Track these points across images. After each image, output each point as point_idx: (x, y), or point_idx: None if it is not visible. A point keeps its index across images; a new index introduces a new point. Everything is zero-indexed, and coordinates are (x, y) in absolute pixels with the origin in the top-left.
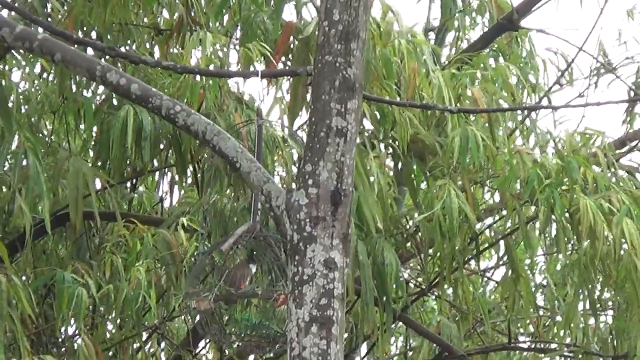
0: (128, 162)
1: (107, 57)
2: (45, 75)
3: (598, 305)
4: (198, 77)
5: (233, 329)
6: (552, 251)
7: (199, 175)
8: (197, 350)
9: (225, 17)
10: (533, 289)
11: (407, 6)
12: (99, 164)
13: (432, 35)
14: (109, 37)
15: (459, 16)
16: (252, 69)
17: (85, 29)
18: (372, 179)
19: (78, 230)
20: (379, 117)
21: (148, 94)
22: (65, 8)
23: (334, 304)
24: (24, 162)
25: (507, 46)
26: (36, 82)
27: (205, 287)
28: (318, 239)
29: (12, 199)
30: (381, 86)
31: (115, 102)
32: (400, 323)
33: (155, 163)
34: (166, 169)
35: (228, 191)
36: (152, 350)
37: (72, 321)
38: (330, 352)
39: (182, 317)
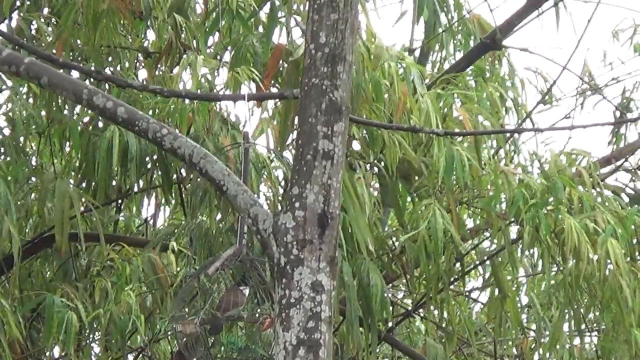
0: (113, 183)
1: (94, 80)
2: (31, 96)
3: (583, 326)
4: (187, 101)
5: (219, 353)
6: (537, 271)
7: (184, 196)
8: None
9: (215, 39)
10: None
11: (388, 26)
12: (84, 185)
13: (414, 53)
14: (90, 57)
15: (442, 36)
16: (240, 91)
17: (73, 51)
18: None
19: (63, 252)
20: (367, 139)
21: (134, 117)
22: (51, 29)
23: (321, 327)
24: None
25: (491, 65)
26: (20, 102)
27: (192, 310)
28: (305, 262)
29: None
30: (370, 109)
31: (100, 123)
32: (386, 344)
33: (141, 184)
34: (152, 190)
35: (212, 215)
36: None
37: (60, 344)
38: None
39: (168, 340)
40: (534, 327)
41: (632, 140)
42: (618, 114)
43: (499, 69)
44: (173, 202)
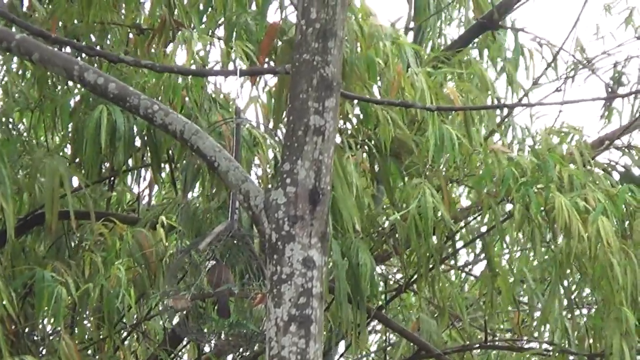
0: (105, 161)
1: (85, 56)
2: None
3: (574, 302)
4: (180, 78)
5: (210, 328)
6: (528, 247)
7: (175, 174)
8: (177, 350)
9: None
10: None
11: (385, 4)
12: (77, 161)
13: (411, 33)
14: (83, 34)
15: (433, 18)
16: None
17: (66, 28)
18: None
19: (53, 231)
20: (362, 117)
21: (126, 93)
22: (45, 6)
23: (312, 302)
24: None
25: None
26: (6, 78)
27: (183, 285)
28: (296, 238)
29: None
30: (363, 86)
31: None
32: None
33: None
34: (144, 169)
35: (204, 193)
36: (131, 349)
37: (52, 320)
38: (309, 351)
39: (160, 316)
40: (526, 299)
41: (626, 122)
42: (609, 88)
43: (498, 42)
44: (163, 180)
